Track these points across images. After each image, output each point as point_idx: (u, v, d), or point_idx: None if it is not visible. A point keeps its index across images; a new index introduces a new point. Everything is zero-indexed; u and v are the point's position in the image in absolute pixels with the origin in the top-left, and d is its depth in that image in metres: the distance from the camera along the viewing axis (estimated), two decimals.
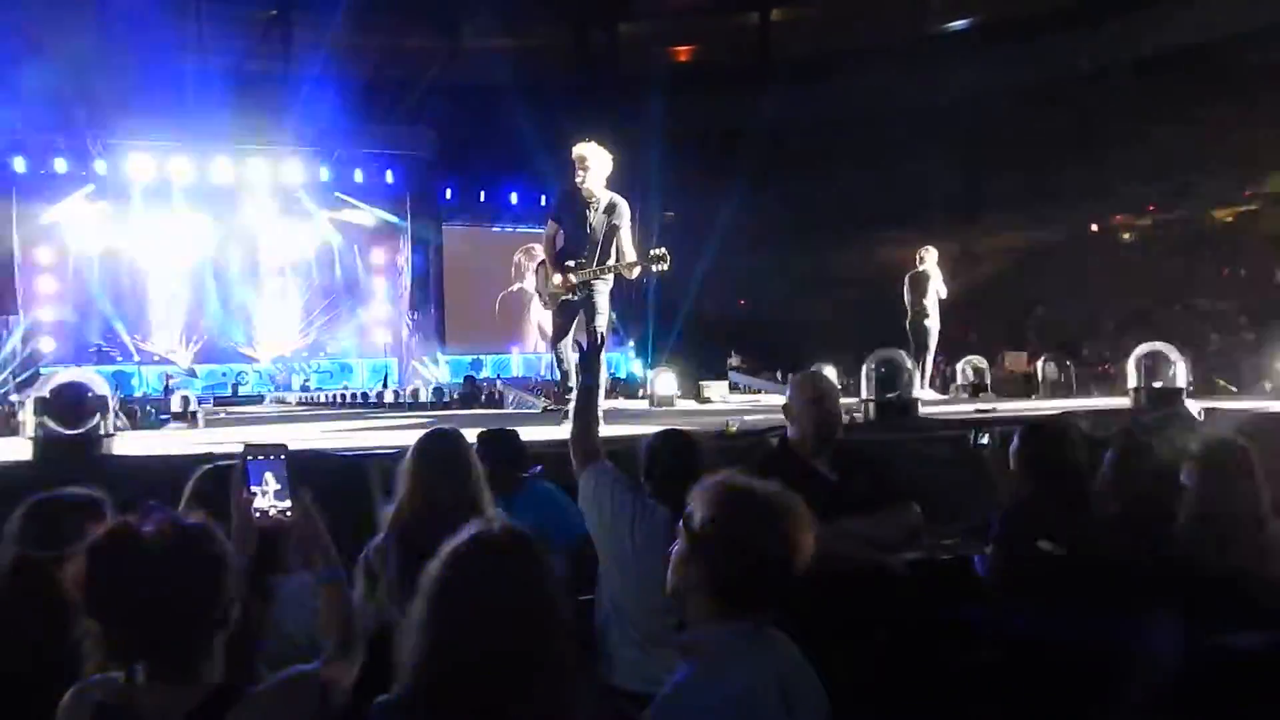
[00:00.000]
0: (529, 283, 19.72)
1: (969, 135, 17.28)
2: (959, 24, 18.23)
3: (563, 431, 6.31)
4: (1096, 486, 3.47)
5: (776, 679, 2.00)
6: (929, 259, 10.31)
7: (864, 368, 5.97)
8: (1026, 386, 10.75)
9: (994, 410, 7.21)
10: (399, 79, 17.37)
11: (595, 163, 6.58)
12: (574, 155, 6.64)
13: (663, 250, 6.61)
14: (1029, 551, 3.10)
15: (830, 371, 7.16)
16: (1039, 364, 10.94)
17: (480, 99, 16.43)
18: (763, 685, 1.98)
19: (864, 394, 5.92)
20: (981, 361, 10.90)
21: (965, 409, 7.85)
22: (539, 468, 4.21)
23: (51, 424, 4.26)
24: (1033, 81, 16.54)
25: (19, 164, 16.28)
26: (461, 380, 16.03)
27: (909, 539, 3.41)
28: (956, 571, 3.45)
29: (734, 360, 15.77)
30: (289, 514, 2.10)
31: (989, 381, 10.63)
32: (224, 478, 2.74)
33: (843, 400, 3.89)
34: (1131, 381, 6.85)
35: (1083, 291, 16.67)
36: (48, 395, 4.31)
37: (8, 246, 16.61)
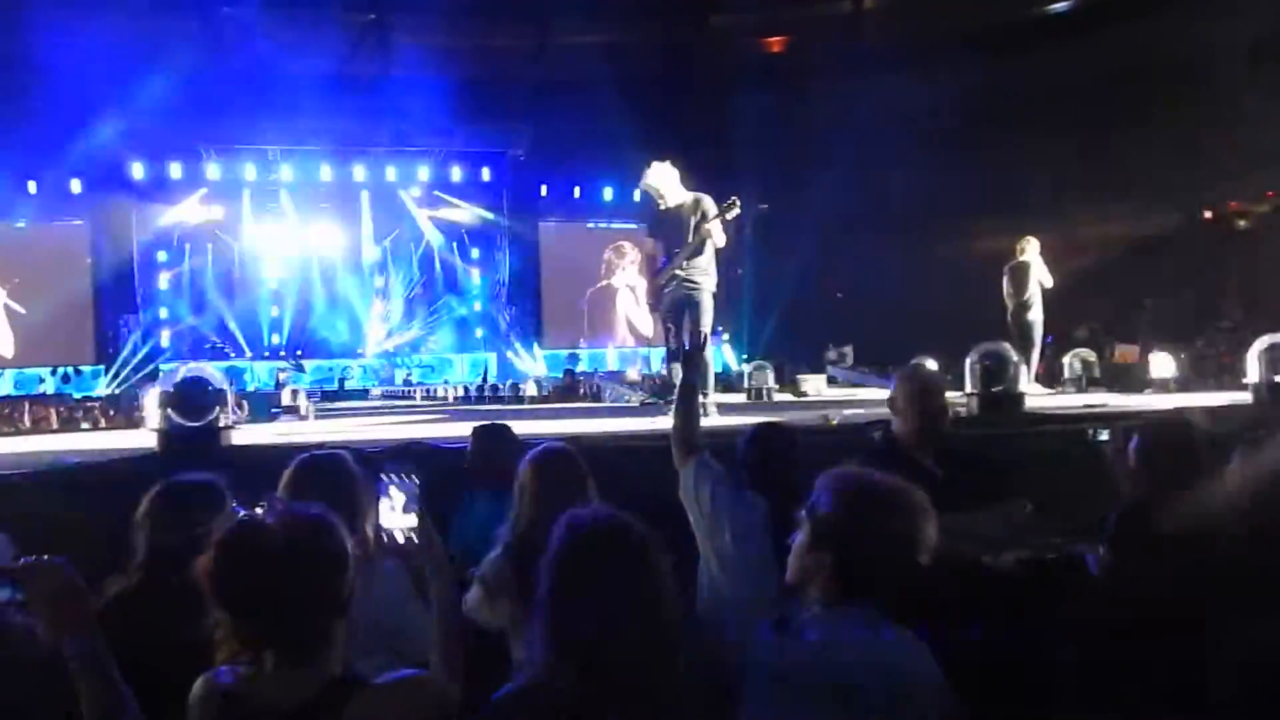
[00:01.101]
0: (618, 279, 19.86)
1: (1075, 121, 16.73)
2: (1060, 6, 17.63)
3: (653, 423, 6.41)
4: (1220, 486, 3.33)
5: (891, 670, 1.99)
6: (1030, 249, 10.05)
7: (967, 361, 5.85)
8: (1139, 380, 10.37)
9: (1104, 405, 6.99)
10: (493, 77, 17.59)
11: (664, 183, 7.01)
12: (645, 188, 7.12)
13: (733, 199, 6.84)
14: (1145, 552, 3.00)
15: (931, 364, 7.05)
16: (1150, 357, 10.55)
17: (573, 95, 16.52)
18: (868, 670, 1.97)
19: (968, 388, 5.80)
20: (1090, 354, 10.57)
21: (1074, 403, 7.63)
22: None
23: (174, 416, 4.46)
24: (1140, 64, 15.92)
25: (137, 170, 17.01)
26: (560, 374, 16.22)
27: (1016, 536, 3.34)
28: (1066, 570, 3.36)
29: (831, 354, 15.59)
30: (413, 533, 2.12)
31: (1099, 375, 10.31)
32: (324, 467, 2.84)
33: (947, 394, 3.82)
34: (1251, 376, 6.50)
35: (1198, 281, 16.00)
36: (170, 389, 4.51)
37: (128, 249, 17.38)
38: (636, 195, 18.51)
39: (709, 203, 6.95)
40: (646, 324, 19.32)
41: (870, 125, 15.95)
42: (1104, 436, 4.30)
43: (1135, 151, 16.16)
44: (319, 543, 1.84)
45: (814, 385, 12.22)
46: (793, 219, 16.81)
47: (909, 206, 17.10)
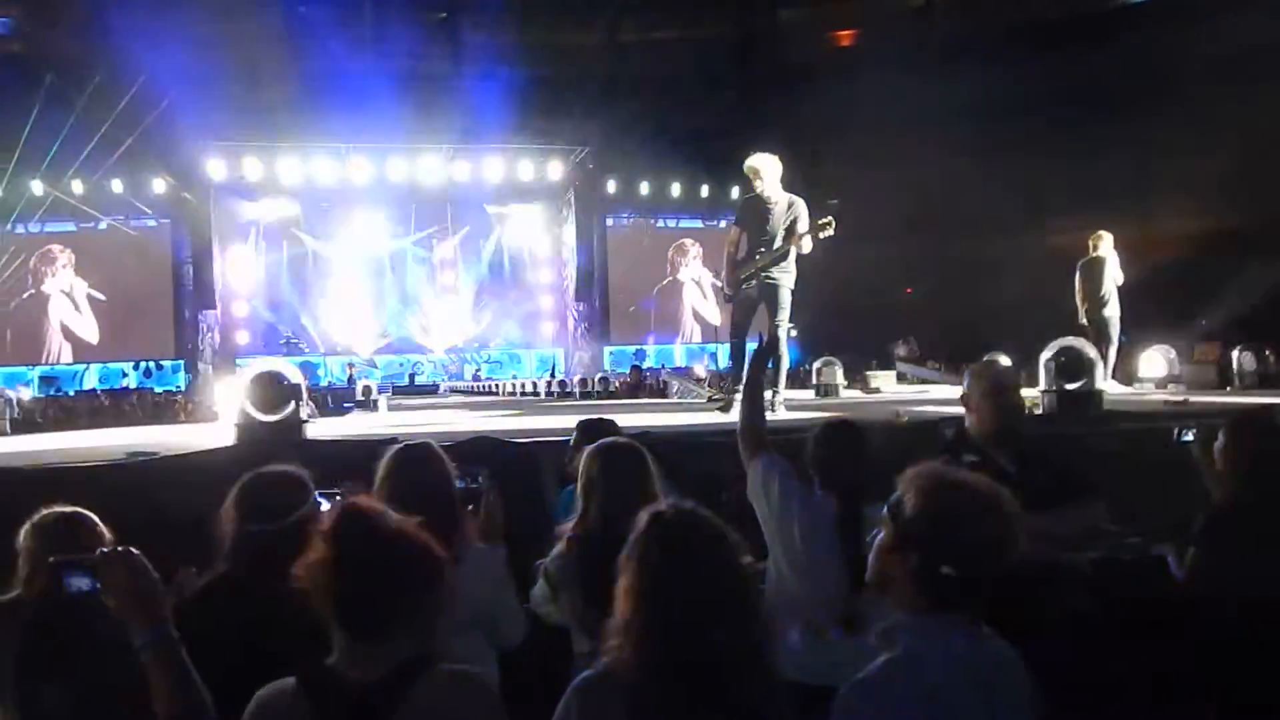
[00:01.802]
0: (683, 274, 19.86)
1: (1154, 113, 16.27)
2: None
3: (721, 418, 6.40)
4: None
5: (977, 673, 1.95)
6: (1104, 244, 9.81)
7: (1042, 357, 5.72)
8: (1220, 378, 10.04)
9: (1184, 403, 6.79)
10: (562, 75, 17.69)
11: (768, 171, 6.97)
12: (747, 168, 7.04)
13: (829, 218, 6.85)
14: (1236, 555, 2.90)
15: (1004, 360, 6.93)
16: (1235, 354, 10.21)
17: (641, 92, 16.55)
18: (961, 679, 1.93)
19: (1043, 384, 5.67)
20: (1170, 351, 10.26)
21: (1152, 401, 7.43)
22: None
23: (252, 411, 4.56)
24: (1221, 55, 15.41)
25: (215, 170, 17.44)
26: (627, 370, 16.26)
27: (1092, 537, 3.26)
28: (1144, 571, 3.27)
29: (901, 350, 15.39)
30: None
31: (1179, 373, 10.01)
32: (417, 457, 2.90)
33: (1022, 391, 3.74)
34: None
35: None
36: (248, 384, 4.61)
37: (207, 246, 17.86)
38: (704, 191, 18.56)
39: (803, 210, 6.95)
40: (714, 316, 19.28)
41: (940, 118, 15.71)
42: (1189, 437, 4.16)
43: (1218, 144, 15.66)
44: (418, 528, 1.89)
45: (884, 381, 12.07)
46: (862, 213, 16.62)
47: (980, 200, 16.80)
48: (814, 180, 15.82)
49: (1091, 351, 5.72)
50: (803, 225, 6.87)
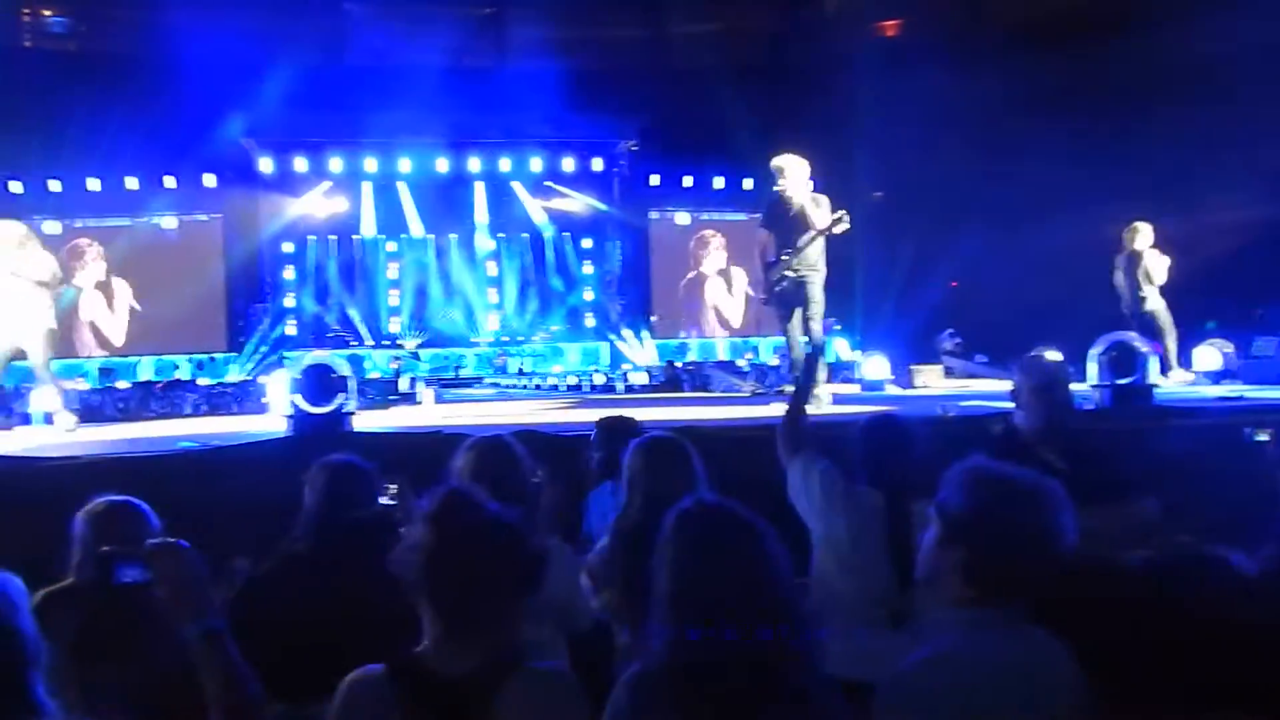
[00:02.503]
0: (706, 266, 19.78)
1: (1204, 100, 15.88)
2: None
3: (765, 412, 6.40)
4: None
5: (1022, 670, 1.93)
6: (1139, 237, 9.68)
7: (1093, 351, 5.64)
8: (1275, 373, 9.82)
9: (1240, 398, 6.65)
10: (606, 68, 17.70)
11: (792, 171, 7.12)
12: (773, 167, 7.21)
13: (840, 213, 6.97)
14: None
15: (1054, 355, 6.85)
16: None
17: (685, 84, 16.50)
18: (1005, 675, 1.91)
19: (1094, 379, 5.59)
20: (1227, 345, 10.06)
21: (1208, 396, 7.29)
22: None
23: (301, 403, 4.64)
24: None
25: (265, 165, 17.68)
26: (665, 365, 16.26)
27: (1144, 536, 3.20)
28: (1198, 570, 3.21)
29: (947, 344, 15.22)
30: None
31: (1236, 367, 9.80)
32: (496, 451, 2.94)
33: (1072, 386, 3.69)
34: None
35: None
36: (298, 377, 4.69)
37: (256, 241, 18.12)
38: (748, 184, 18.48)
39: (825, 204, 7.03)
40: (736, 314, 19.24)
41: (987, 107, 15.48)
42: (1263, 437, 4.05)
43: (1274, 133, 15.28)
44: (521, 532, 1.91)
45: (930, 376, 11.96)
46: (907, 206, 16.47)
47: (1028, 191, 16.56)
48: (857, 173, 15.71)
49: (1144, 346, 5.63)
50: (821, 220, 6.93)
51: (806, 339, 7.24)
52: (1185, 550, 3.35)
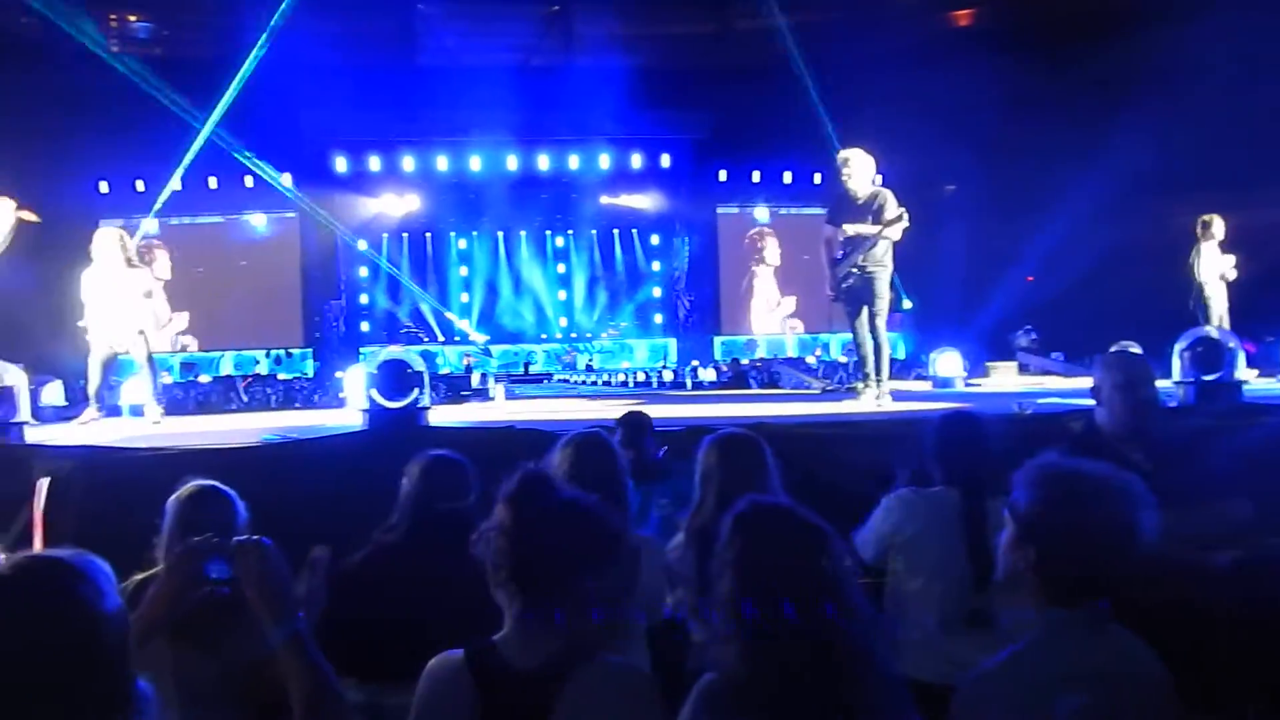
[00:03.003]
0: (756, 264, 19.66)
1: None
2: None
3: (837, 408, 6.38)
4: None
5: (1102, 672, 1.89)
6: (1213, 229, 9.51)
7: (1177, 346, 5.48)
8: None
9: None
10: (673, 64, 17.68)
11: (857, 165, 7.06)
12: (838, 159, 7.16)
13: (900, 211, 6.89)
14: None
15: (1135, 349, 6.68)
16: None
17: (753, 79, 16.40)
18: (1084, 677, 1.87)
19: (1178, 375, 5.43)
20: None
21: None
22: (665, 449, 4.27)
23: (378, 398, 4.73)
24: None
25: (340, 163, 18.03)
26: (730, 362, 16.23)
27: (1232, 535, 3.11)
28: None
29: (1023, 340, 14.93)
30: None
31: None
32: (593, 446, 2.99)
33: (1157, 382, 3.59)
34: None
35: None
36: (374, 372, 4.78)
37: (331, 239, 18.49)
38: (817, 178, 18.33)
39: (890, 200, 7.01)
40: (778, 312, 19.16)
41: (1063, 98, 15.15)
42: None
43: None
44: (592, 504, 1.94)
45: (1005, 372, 11.75)
46: (982, 199, 16.17)
47: (1105, 182, 16.13)
48: (929, 166, 15.47)
49: (1232, 340, 5.45)
50: (890, 214, 6.93)
51: (870, 336, 7.21)
52: (1277, 552, 3.25)
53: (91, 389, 7.49)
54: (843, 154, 7.15)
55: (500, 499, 1.93)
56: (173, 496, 2.87)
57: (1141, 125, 14.97)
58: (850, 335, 7.59)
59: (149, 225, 16.49)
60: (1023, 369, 12.98)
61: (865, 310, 7.15)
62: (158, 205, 16.01)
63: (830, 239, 7.32)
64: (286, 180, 17.53)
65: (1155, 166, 15.14)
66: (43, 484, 4.16)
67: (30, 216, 7.44)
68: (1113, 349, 7.40)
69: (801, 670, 1.74)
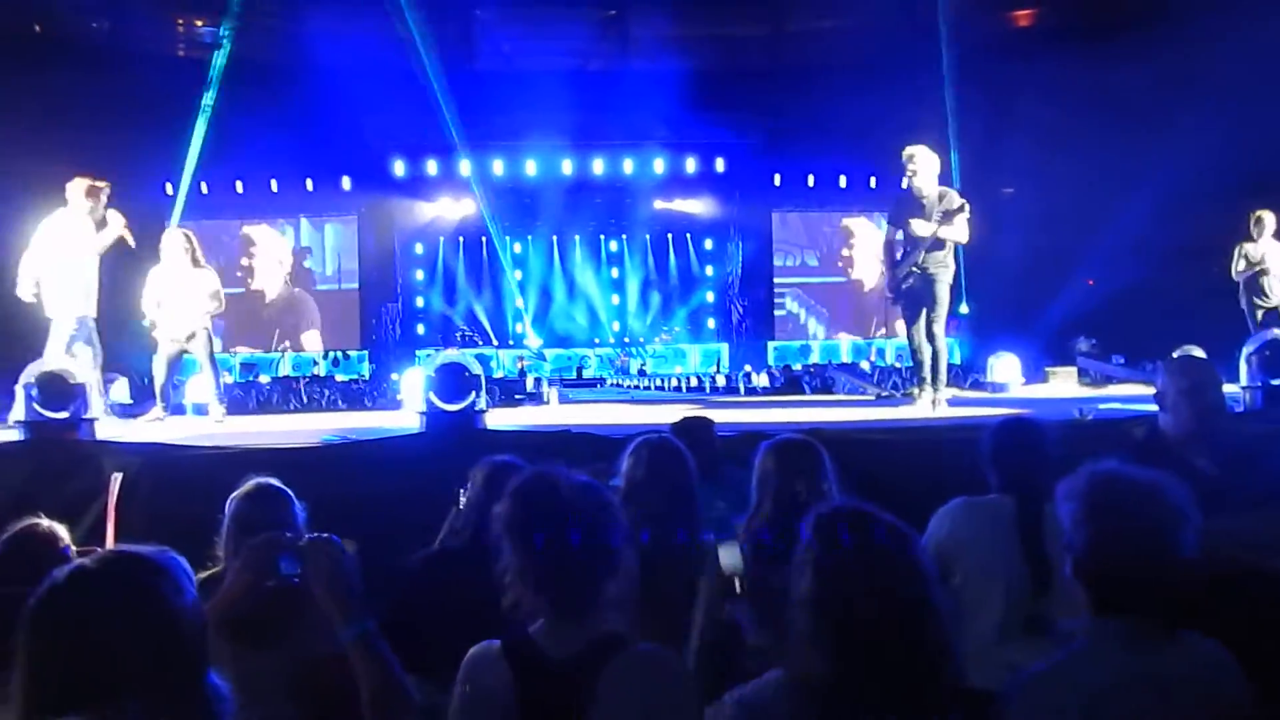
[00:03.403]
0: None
1: None
2: None
3: (893, 414, 6.32)
4: None
5: (1155, 681, 1.86)
6: (1263, 227, 9.29)
7: (1244, 350, 5.36)
8: None
9: None
10: (728, 68, 17.66)
11: (922, 162, 6.87)
12: (903, 156, 6.97)
13: (961, 202, 6.75)
14: None
15: (1199, 354, 6.54)
16: None
17: (808, 82, 16.32)
18: (1134, 685, 1.85)
19: (1244, 380, 5.31)
20: None
21: None
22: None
23: (435, 400, 4.79)
24: None
25: (398, 167, 18.27)
26: (781, 368, 16.15)
27: None
28: None
29: (1083, 345, 14.66)
30: None
31: None
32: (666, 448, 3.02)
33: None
34: None
35: None
36: (432, 375, 4.84)
37: (389, 242, 18.75)
38: (873, 182, 18.18)
39: (956, 200, 6.85)
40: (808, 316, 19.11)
41: (1123, 97, 14.85)
42: None
43: None
44: (601, 505, 1.96)
45: (1064, 378, 11.55)
46: (1042, 201, 15.90)
47: (1168, 183, 15.79)
48: (988, 168, 15.26)
49: None
50: (960, 216, 6.79)
51: (928, 340, 7.06)
52: None
53: (157, 387, 7.68)
54: (908, 150, 6.97)
55: (502, 513, 1.96)
56: (232, 495, 2.93)
57: (1206, 123, 14.64)
58: (906, 339, 7.45)
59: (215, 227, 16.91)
60: (1083, 374, 12.75)
61: (924, 313, 6.99)
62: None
63: (890, 241, 7.20)
64: (346, 184, 17.83)
65: (1220, 164, 14.80)
66: (116, 479, 4.28)
67: (129, 238, 7.63)
68: (1176, 353, 7.23)
69: (887, 669, 1.74)
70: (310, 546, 2.06)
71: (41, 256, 7.22)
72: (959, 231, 6.81)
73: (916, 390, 7.23)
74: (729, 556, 3.01)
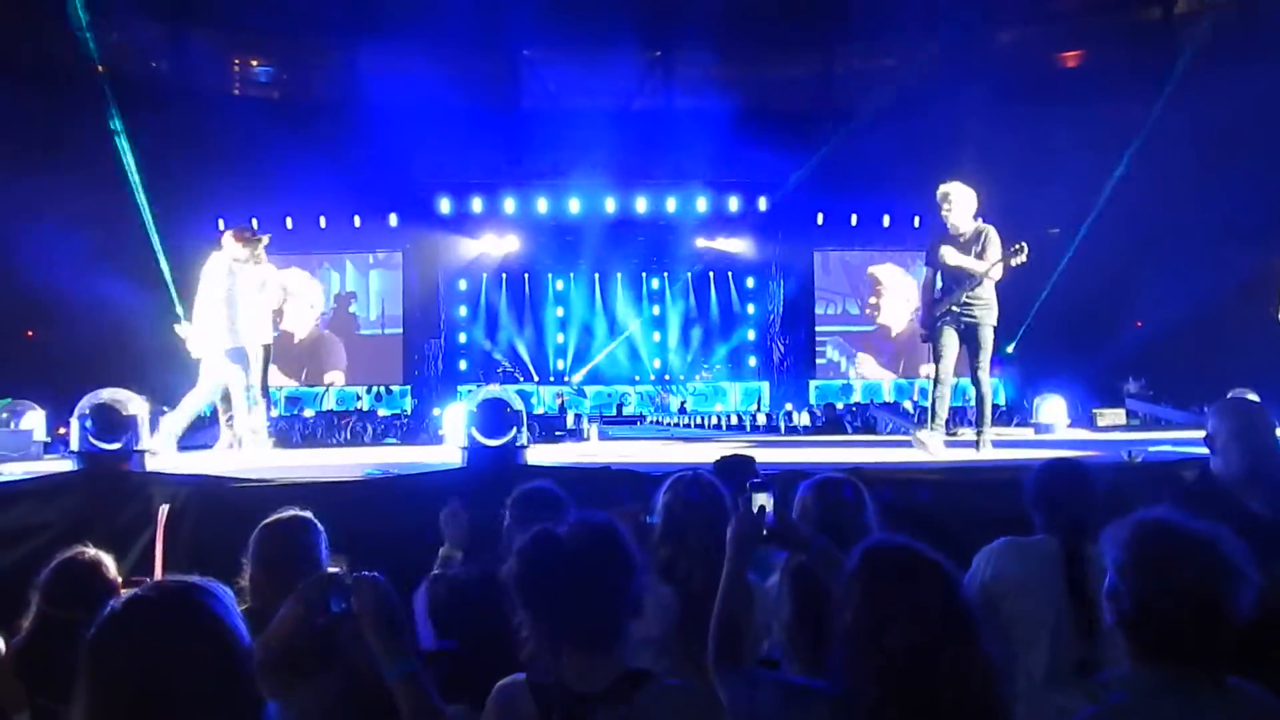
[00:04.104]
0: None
1: None
2: None
3: (930, 455, 6.22)
4: None
5: None
6: None
7: None
8: None
9: None
10: (771, 108, 17.76)
11: (958, 199, 6.69)
12: (939, 194, 6.81)
13: (1021, 244, 6.46)
14: None
15: (1252, 396, 6.40)
16: None
17: (851, 122, 16.38)
18: None
19: None
20: None
21: None
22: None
23: (477, 435, 4.81)
24: None
25: (444, 205, 18.53)
26: (823, 407, 16.06)
27: None
28: None
29: (1132, 386, 14.43)
30: None
31: None
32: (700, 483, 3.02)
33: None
34: None
35: None
36: (475, 409, 4.87)
37: (434, 278, 18.99)
38: (916, 221, 18.13)
39: (994, 237, 6.64)
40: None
41: (1171, 137, 14.72)
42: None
43: None
44: (606, 546, 1.96)
45: (1112, 420, 11.36)
46: (1089, 241, 15.75)
47: (1219, 223, 15.58)
48: (1032, 207, 15.14)
49: None
50: (993, 253, 6.55)
51: (973, 384, 6.74)
52: None
53: (228, 417, 7.74)
54: (943, 188, 6.79)
55: (509, 572, 1.97)
56: (257, 529, 2.96)
57: (1255, 163, 14.46)
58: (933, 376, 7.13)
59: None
60: (1131, 416, 12.53)
61: (960, 352, 6.72)
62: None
63: (929, 281, 7.02)
64: (393, 220, 18.10)
65: (1271, 203, 14.60)
66: (163, 510, 4.33)
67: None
68: (1229, 395, 7.08)
69: (930, 701, 1.72)
70: (357, 584, 2.08)
71: (201, 301, 7.47)
72: (997, 270, 6.55)
73: (925, 431, 6.65)
74: (770, 594, 2.99)
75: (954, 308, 6.63)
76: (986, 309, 6.64)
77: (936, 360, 6.84)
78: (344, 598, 2.09)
